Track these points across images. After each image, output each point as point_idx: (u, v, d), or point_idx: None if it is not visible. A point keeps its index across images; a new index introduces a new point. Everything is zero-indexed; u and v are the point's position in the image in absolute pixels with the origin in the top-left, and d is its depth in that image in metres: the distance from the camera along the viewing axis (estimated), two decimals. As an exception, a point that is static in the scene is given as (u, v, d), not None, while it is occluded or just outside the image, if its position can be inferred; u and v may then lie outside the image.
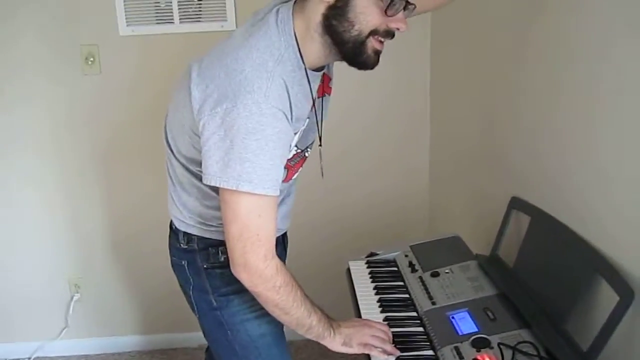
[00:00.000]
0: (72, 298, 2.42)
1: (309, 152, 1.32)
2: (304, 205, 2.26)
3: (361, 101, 2.32)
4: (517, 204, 1.44)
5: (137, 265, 2.39)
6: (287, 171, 1.24)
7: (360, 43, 1.09)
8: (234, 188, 1.06)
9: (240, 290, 1.20)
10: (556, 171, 1.32)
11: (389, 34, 1.11)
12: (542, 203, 1.34)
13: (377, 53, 1.12)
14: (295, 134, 1.17)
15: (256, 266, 1.11)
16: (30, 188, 2.32)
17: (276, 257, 1.15)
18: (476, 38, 1.85)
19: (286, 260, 1.46)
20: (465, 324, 1.20)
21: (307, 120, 1.22)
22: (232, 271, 1.13)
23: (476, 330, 1.17)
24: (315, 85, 1.20)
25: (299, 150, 1.25)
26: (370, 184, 2.39)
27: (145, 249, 2.31)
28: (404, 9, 1.09)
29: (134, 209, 2.33)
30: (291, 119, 1.11)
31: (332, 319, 1.24)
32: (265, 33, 1.10)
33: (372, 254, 1.64)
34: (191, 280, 1.32)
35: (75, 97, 2.22)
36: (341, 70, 2.23)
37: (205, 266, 1.29)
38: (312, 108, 1.21)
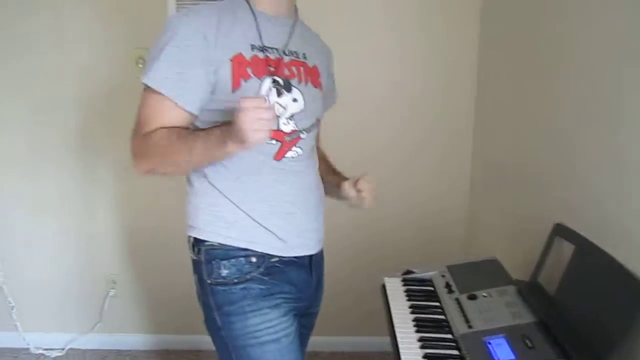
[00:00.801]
0: (107, 294, 2.48)
1: (304, 135, 1.31)
2: (340, 218, 2.29)
3: (406, 118, 2.32)
4: (561, 231, 1.41)
5: (173, 265, 2.43)
6: (281, 146, 1.26)
7: None
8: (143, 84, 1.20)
9: (241, 312, 1.23)
10: (604, 200, 1.29)
11: None
12: (587, 232, 1.32)
13: None
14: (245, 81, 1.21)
15: (130, 145, 1.22)
16: (74, 185, 2.39)
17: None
18: (524, 59, 1.83)
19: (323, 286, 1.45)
20: (502, 350, 1.18)
21: (270, 82, 1.23)
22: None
23: (513, 357, 1.15)
24: (271, 27, 1.27)
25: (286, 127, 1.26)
26: (408, 200, 2.37)
27: (182, 250, 2.34)
28: None
29: (176, 209, 2.37)
30: (215, 35, 1.19)
31: (227, 129, 1.11)
32: None
33: (408, 272, 1.62)
34: (200, 296, 1.31)
35: (124, 98, 2.27)
36: (389, 91, 2.27)
37: (209, 281, 1.27)
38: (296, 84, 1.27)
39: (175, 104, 1.19)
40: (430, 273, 1.59)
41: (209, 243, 1.27)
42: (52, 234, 2.45)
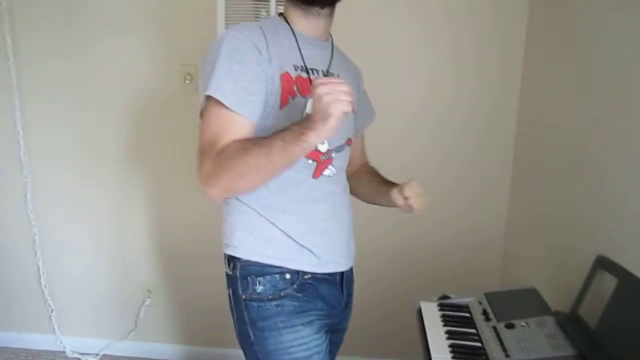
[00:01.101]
0: (143, 302, 2.53)
1: (334, 154, 1.32)
2: (377, 241, 2.30)
3: (446, 148, 2.33)
4: (603, 264, 1.39)
5: (207, 277, 2.46)
6: (317, 165, 1.28)
7: None
8: (203, 97, 1.20)
9: (274, 328, 1.24)
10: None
11: None
12: (631, 265, 1.30)
13: None
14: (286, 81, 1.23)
15: (200, 170, 1.17)
16: (116, 194, 2.46)
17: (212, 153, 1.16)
18: (565, 95, 1.83)
19: (353, 298, 1.46)
20: (540, 381, 1.17)
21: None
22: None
23: (552, 390, 1.14)
24: (312, 49, 1.30)
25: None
26: (446, 226, 2.36)
27: (215, 263, 2.38)
28: None
29: (210, 223, 2.41)
30: (267, 50, 1.21)
31: (301, 124, 1.10)
32: None
33: (444, 297, 1.62)
34: (234, 310, 1.33)
35: (169, 112, 2.35)
36: (430, 122, 2.26)
37: (244, 297, 1.29)
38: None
39: (244, 117, 1.18)
40: (467, 299, 1.58)
41: (245, 259, 1.29)
42: (93, 242, 2.51)
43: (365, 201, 1.52)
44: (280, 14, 1.33)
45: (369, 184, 1.49)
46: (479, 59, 2.26)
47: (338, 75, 1.35)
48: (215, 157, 1.15)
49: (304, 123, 1.09)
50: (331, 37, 1.39)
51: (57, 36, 2.31)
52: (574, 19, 1.83)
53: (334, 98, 1.03)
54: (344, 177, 1.41)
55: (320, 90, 1.04)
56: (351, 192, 1.47)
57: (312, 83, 1.07)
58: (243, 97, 1.17)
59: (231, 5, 2.19)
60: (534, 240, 2.06)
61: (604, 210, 1.49)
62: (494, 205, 2.36)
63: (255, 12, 2.22)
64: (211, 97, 1.17)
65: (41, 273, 2.52)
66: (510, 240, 2.33)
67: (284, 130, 1.12)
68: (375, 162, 1.61)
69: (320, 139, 1.09)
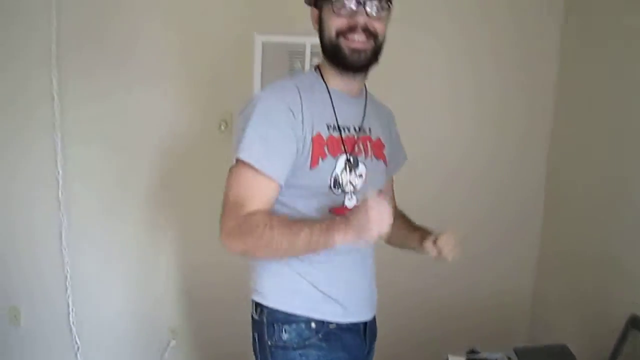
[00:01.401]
0: (168, 343, 2.54)
1: None
2: (400, 287, 2.29)
3: (473, 192, 2.34)
4: (636, 323, 1.37)
5: (231, 321, 2.46)
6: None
7: (335, 45, 1.28)
8: (234, 158, 1.23)
9: None
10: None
11: (352, 29, 1.25)
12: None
13: (355, 51, 1.27)
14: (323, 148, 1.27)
15: (226, 226, 1.20)
16: (143, 235, 2.51)
17: (239, 214, 1.20)
18: (601, 135, 1.83)
19: (375, 345, 1.45)
20: None
21: (343, 156, 1.29)
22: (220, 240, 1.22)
23: None
24: (346, 107, 1.34)
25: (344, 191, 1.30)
26: (473, 275, 2.34)
27: (241, 307, 2.39)
28: (361, 4, 1.24)
29: (236, 267, 2.44)
30: (301, 112, 1.24)
31: (331, 219, 1.17)
32: None
33: (472, 351, 1.60)
34: (259, 354, 1.35)
35: (202, 157, 2.41)
36: (454, 161, 2.28)
37: (269, 343, 1.31)
38: (351, 149, 1.31)
39: (271, 179, 1.22)
40: (496, 355, 1.57)
41: (272, 307, 1.32)
42: (122, 281, 2.55)
43: (394, 246, 1.53)
44: (317, 67, 1.38)
45: (400, 230, 1.49)
46: (507, 95, 2.30)
47: (370, 129, 1.38)
48: (240, 221, 1.19)
49: (336, 225, 1.14)
50: (365, 89, 1.42)
51: (100, 82, 2.41)
52: (611, 56, 1.85)
53: (378, 224, 1.09)
54: None
55: (369, 214, 1.09)
56: None
57: (363, 201, 1.11)
58: (272, 160, 1.21)
59: (267, 54, 2.28)
60: (566, 286, 2.04)
61: (638, 267, 1.48)
62: (523, 249, 2.34)
63: (290, 62, 2.30)
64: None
65: (70, 310, 2.56)
66: (541, 286, 2.31)
67: (311, 225, 1.16)
68: (399, 199, 1.61)
69: (346, 243, 1.14)
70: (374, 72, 1.35)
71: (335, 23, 1.26)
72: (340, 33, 1.26)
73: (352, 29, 1.25)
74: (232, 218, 1.20)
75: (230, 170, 1.25)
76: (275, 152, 1.22)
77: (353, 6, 1.24)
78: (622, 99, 1.71)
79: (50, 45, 2.37)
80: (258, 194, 1.22)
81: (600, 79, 1.89)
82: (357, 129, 1.35)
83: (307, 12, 1.37)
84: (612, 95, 1.79)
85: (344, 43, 1.26)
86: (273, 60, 2.29)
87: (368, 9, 1.24)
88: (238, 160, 1.23)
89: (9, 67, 2.43)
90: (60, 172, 2.46)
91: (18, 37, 2.40)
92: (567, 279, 2.01)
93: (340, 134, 1.31)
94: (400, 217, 1.55)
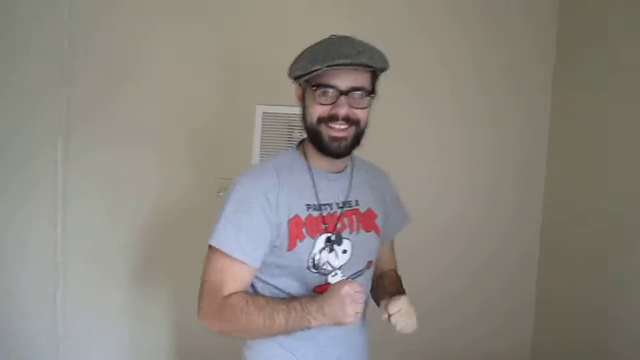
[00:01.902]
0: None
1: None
2: (402, 350, 2.25)
3: (468, 246, 2.37)
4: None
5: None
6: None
7: (317, 132, 1.28)
8: (209, 242, 1.26)
9: None
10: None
11: (333, 118, 1.25)
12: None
13: (336, 139, 1.27)
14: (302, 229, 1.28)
15: (205, 310, 1.25)
16: (140, 301, 2.50)
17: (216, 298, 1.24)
18: (592, 197, 1.85)
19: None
20: None
21: (323, 236, 1.30)
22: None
23: None
24: (327, 184, 1.34)
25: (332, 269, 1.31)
26: (470, 320, 2.35)
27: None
28: (343, 94, 1.23)
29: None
30: (277, 196, 1.26)
31: (306, 301, 1.20)
32: None
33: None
34: None
35: (198, 223, 2.42)
36: (451, 219, 2.28)
37: None
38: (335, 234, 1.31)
39: (244, 262, 1.25)
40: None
41: None
42: (114, 346, 2.52)
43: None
44: (300, 144, 1.39)
45: (378, 288, 1.48)
46: (501, 145, 2.39)
47: (357, 202, 1.38)
48: (218, 305, 1.23)
49: (312, 311, 1.18)
50: (352, 158, 1.41)
51: (102, 141, 2.47)
52: (604, 104, 1.91)
53: (352, 311, 1.15)
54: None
55: (343, 301, 1.15)
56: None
57: (338, 287, 1.17)
58: (243, 245, 1.24)
59: (267, 124, 2.36)
60: (564, 340, 2.01)
61: (632, 315, 1.47)
62: (520, 301, 2.36)
63: (289, 130, 2.37)
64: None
65: (62, 375, 2.51)
66: (538, 339, 2.28)
67: (288, 305, 1.20)
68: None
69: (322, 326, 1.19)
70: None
71: (316, 110, 1.26)
72: (322, 120, 1.26)
73: (332, 117, 1.24)
74: (210, 301, 1.25)
75: (207, 252, 1.29)
76: (247, 238, 1.24)
77: (334, 97, 1.24)
78: (616, 144, 1.76)
79: (61, 115, 2.46)
80: (232, 278, 1.25)
81: (594, 126, 1.95)
82: (340, 204, 1.35)
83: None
84: (606, 142, 1.84)
85: (324, 130, 1.26)
86: (272, 129, 2.36)
87: (350, 99, 1.24)
88: (212, 246, 1.26)
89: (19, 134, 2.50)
90: (60, 235, 2.48)
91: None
92: (565, 336, 2.00)
93: (321, 212, 1.31)
94: (389, 278, 1.50)
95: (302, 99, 1.31)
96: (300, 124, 1.34)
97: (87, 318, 2.52)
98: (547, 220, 2.30)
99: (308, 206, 1.30)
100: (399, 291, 1.40)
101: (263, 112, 2.37)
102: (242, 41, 2.42)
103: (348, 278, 1.32)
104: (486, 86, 2.39)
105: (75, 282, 2.52)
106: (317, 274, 1.29)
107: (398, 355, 2.25)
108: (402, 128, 2.39)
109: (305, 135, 1.35)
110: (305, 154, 1.35)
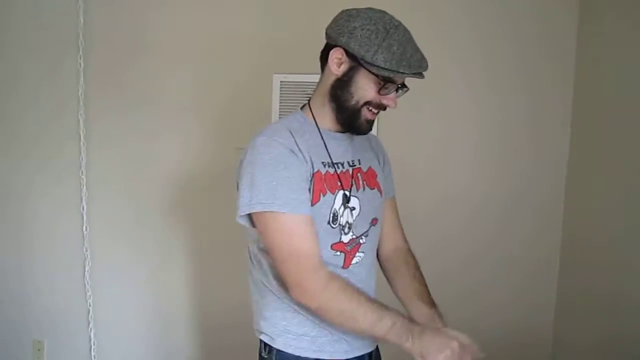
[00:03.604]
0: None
1: (363, 240, 1.38)
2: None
3: (492, 230, 2.33)
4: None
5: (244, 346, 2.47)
6: (345, 256, 1.33)
7: (357, 111, 1.30)
8: (248, 212, 1.24)
9: None
10: None
11: (381, 107, 1.31)
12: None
13: (369, 122, 1.33)
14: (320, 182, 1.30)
15: (306, 283, 1.22)
16: (158, 263, 2.55)
17: (324, 268, 1.24)
18: (618, 187, 1.82)
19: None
20: None
21: (340, 192, 1.32)
22: (291, 295, 1.25)
23: None
24: (336, 143, 1.36)
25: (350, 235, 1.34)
26: (491, 312, 2.32)
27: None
28: (396, 90, 1.29)
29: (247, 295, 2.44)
30: (300, 151, 1.27)
31: (414, 323, 1.25)
32: None
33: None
34: None
35: (226, 191, 2.44)
36: (475, 203, 2.25)
37: None
38: (347, 185, 1.34)
39: (304, 215, 1.24)
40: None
41: (280, 349, 1.35)
42: (142, 317, 2.59)
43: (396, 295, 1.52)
44: (302, 108, 1.40)
45: (410, 295, 1.47)
46: (519, 135, 2.30)
47: (360, 161, 1.41)
48: (323, 282, 1.22)
49: (413, 333, 1.20)
50: None
51: (124, 122, 2.50)
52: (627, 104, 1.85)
53: (448, 357, 1.17)
54: (371, 259, 1.44)
55: (452, 348, 1.18)
56: (385, 275, 1.52)
57: (455, 339, 1.21)
58: (297, 199, 1.23)
59: (285, 92, 2.35)
60: (585, 330, 2.00)
61: None
62: (542, 294, 2.31)
63: (306, 97, 2.35)
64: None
65: (92, 344, 2.59)
66: (560, 329, 2.26)
67: (396, 321, 1.21)
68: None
69: (414, 353, 1.20)
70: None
71: (369, 95, 1.28)
72: (367, 104, 1.29)
73: (380, 106, 1.31)
74: (308, 271, 1.23)
75: (260, 220, 1.25)
76: (297, 191, 1.24)
77: (392, 90, 1.29)
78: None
79: (78, 86, 2.48)
80: (302, 232, 1.24)
81: (615, 127, 1.90)
82: (350, 163, 1.38)
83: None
84: (628, 139, 1.79)
85: (365, 112, 1.30)
86: (290, 98, 2.35)
87: (399, 94, 1.32)
88: (259, 213, 1.24)
89: (38, 107, 2.55)
90: (85, 207, 2.54)
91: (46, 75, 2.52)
92: (587, 320, 1.98)
93: (336, 170, 1.34)
94: (415, 279, 1.49)
95: (346, 72, 1.28)
96: (323, 90, 1.33)
97: (114, 290, 2.59)
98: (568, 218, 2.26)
99: (323, 163, 1.33)
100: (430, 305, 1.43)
101: (281, 81, 2.35)
102: (258, 11, 2.39)
103: (358, 237, 1.36)
104: (499, 85, 2.30)
105: (103, 258, 2.58)
106: (335, 230, 1.32)
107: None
108: (412, 125, 2.33)
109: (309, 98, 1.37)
110: (313, 116, 1.36)
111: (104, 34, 2.47)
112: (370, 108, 1.30)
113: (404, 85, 1.31)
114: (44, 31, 2.50)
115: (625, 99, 1.83)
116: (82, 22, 2.43)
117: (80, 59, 2.45)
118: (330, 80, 1.31)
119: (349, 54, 1.26)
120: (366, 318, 1.21)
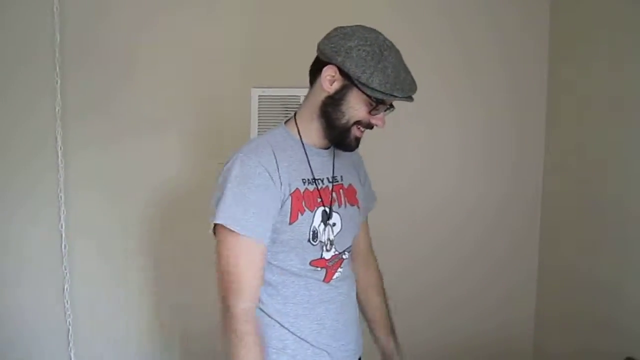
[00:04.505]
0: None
1: (346, 255, 1.40)
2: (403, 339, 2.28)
3: (462, 226, 2.37)
4: (631, 365, 1.37)
5: None
6: (327, 271, 1.35)
7: (347, 130, 1.32)
8: (214, 222, 1.25)
9: None
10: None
11: (369, 126, 1.34)
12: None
13: (357, 139, 1.36)
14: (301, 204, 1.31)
15: (231, 306, 1.24)
16: (143, 285, 2.52)
17: (253, 304, 1.27)
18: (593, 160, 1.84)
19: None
20: None
21: (320, 209, 1.33)
22: (218, 303, 1.27)
23: None
24: (319, 159, 1.38)
25: (334, 251, 1.36)
26: (472, 323, 2.35)
27: None
28: (387, 110, 1.33)
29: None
30: (277, 171, 1.27)
31: None
32: None
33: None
34: None
35: (204, 202, 2.43)
36: (446, 194, 2.26)
37: None
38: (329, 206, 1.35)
39: (255, 240, 1.25)
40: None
41: None
42: (122, 334, 2.56)
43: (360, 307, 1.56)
44: (287, 122, 1.41)
45: (373, 315, 1.60)
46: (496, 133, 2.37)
47: (341, 177, 1.43)
48: (243, 318, 1.24)
49: None
50: None
51: (102, 131, 2.47)
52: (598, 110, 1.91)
53: None
54: (349, 270, 1.47)
55: None
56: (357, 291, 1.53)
57: None
58: (257, 223, 1.25)
59: (263, 106, 2.37)
60: (565, 341, 2.02)
61: (635, 308, 1.48)
62: (520, 304, 2.37)
63: (285, 112, 2.37)
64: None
65: (72, 364, 2.55)
66: (540, 338, 2.29)
67: None
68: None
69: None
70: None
71: (360, 114, 1.30)
72: (358, 123, 1.32)
73: (369, 125, 1.34)
74: (238, 299, 1.24)
75: (221, 232, 1.27)
76: (260, 218, 1.25)
77: (382, 111, 1.32)
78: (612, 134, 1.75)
79: (55, 103, 2.45)
80: (251, 258, 1.26)
81: (589, 130, 1.94)
82: (331, 179, 1.39)
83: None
84: (601, 143, 1.83)
85: (354, 130, 1.33)
86: (269, 112, 2.36)
87: (386, 114, 1.35)
88: (219, 225, 1.25)
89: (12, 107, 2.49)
90: (64, 224, 2.50)
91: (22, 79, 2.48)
92: (566, 328, 2.01)
93: (317, 186, 1.35)
94: (380, 301, 1.60)
95: (338, 90, 1.30)
96: (312, 106, 1.34)
97: (93, 308, 2.55)
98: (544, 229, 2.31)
99: (304, 180, 1.33)
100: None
101: (259, 95, 2.37)
102: (235, 25, 2.40)
103: (341, 253, 1.38)
104: (480, 85, 2.37)
105: (82, 276, 2.54)
106: (315, 247, 1.33)
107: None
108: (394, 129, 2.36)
109: (292, 113, 1.40)
110: (298, 131, 1.37)
111: (81, 49, 2.44)
112: (360, 127, 1.33)
113: (391, 106, 1.34)
114: (19, 46, 2.46)
115: (597, 100, 1.88)
116: (58, 39, 2.41)
117: (57, 76, 2.42)
118: (320, 96, 1.32)
119: (342, 72, 1.27)
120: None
